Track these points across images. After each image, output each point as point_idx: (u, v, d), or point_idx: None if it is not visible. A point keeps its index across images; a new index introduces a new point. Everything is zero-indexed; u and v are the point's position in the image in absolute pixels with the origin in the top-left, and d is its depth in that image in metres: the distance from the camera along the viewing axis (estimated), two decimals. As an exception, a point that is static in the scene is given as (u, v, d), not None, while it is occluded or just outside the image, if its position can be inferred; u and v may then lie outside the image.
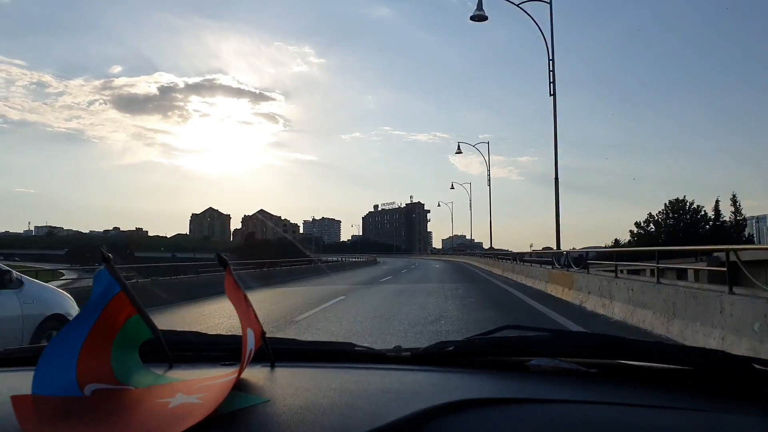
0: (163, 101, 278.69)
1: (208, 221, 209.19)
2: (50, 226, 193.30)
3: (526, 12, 18.99)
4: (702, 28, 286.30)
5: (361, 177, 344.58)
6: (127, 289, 0.87)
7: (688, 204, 53.35)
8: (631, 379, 0.95)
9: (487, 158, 43.15)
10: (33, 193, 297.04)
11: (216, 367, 1.01)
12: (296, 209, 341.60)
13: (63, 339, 0.81)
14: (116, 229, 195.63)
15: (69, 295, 6.01)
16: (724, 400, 0.83)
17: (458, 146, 43.80)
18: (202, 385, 0.81)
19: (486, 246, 53.23)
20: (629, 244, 52.48)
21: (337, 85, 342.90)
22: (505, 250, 40.93)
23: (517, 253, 24.86)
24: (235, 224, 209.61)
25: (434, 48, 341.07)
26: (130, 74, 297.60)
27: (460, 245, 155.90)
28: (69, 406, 0.74)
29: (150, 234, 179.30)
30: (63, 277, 27.02)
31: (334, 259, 46.52)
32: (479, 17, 19.83)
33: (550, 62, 19.10)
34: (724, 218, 53.05)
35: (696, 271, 15.47)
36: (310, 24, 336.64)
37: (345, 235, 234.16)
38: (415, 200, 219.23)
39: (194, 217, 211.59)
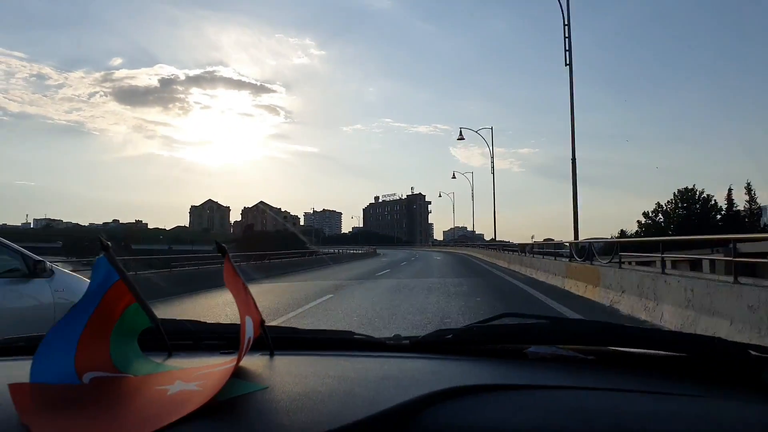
0: (163, 93, 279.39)
1: (208, 213, 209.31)
2: (49, 219, 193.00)
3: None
4: (695, 17, 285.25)
5: (362, 169, 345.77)
6: (126, 277, 0.87)
7: (698, 193, 51.09)
8: (628, 366, 0.95)
9: (490, 145, 40.37)
10: (33, 186, 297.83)
11: (215, 356, 1.01)
12: (297, 201, 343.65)
13: (62, 327, 0.81)
14: (116, 221, 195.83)
15: None
16: (721, 387, 0.84)
17: (460, 132, 40.29)
18: (200, 373, 0.81)
19: (488, 237, 52.90)
20: (636, 234, 50.38)
21: (338, 76, 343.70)
22: (506, 242, 39.93)
23: (525, 244, 22.73)
24: (236, 216, 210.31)
25: (435, 39, 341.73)
26: (131, 66, 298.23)
27: (461, 237, 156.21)
28: (67, 394, 0.74)
29: (150, 226, 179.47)
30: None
31: (332, 250, 45.39)
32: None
33: (565, 27, 17.45)
34: (738, 207, 50.29)
35: (712, 262, 13.60)
36: (311, 16, 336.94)
37: (346, 227, 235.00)
38: (416, 192, 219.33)
39: (194, 209, 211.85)
